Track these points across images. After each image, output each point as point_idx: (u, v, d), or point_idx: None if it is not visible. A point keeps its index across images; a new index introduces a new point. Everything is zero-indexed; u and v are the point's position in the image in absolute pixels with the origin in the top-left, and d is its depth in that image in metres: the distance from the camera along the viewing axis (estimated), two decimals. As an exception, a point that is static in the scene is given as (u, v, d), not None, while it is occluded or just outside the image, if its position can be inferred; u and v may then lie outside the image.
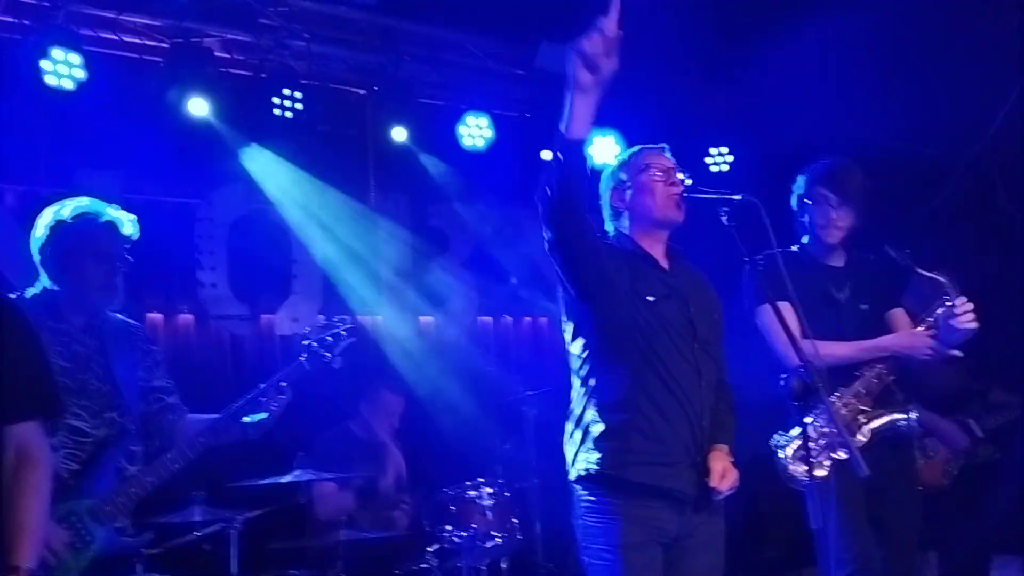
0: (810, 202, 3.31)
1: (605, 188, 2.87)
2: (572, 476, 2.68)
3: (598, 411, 2.63)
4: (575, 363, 2.75)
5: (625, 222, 2.81)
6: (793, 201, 3.40)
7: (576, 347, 2.73)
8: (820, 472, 2.88)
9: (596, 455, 2.60)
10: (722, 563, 2.72)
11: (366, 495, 4.42)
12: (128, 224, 2.88)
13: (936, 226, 4.80)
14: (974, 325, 3.05)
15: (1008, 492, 4.53)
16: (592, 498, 2.62)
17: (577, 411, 2.71)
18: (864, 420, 3.12)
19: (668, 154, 2.82)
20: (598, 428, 2.62)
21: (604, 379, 2.65)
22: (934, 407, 3.56)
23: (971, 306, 3.05)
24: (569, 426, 2.72)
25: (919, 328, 3.23)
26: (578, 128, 2.41)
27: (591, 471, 2.61)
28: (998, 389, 4.66)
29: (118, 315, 2.98)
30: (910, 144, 5.09)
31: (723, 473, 2.62)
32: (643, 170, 2.77)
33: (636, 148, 2.87)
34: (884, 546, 3.15)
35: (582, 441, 2.66)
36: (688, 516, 2.63)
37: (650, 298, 2.65)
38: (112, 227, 2.85)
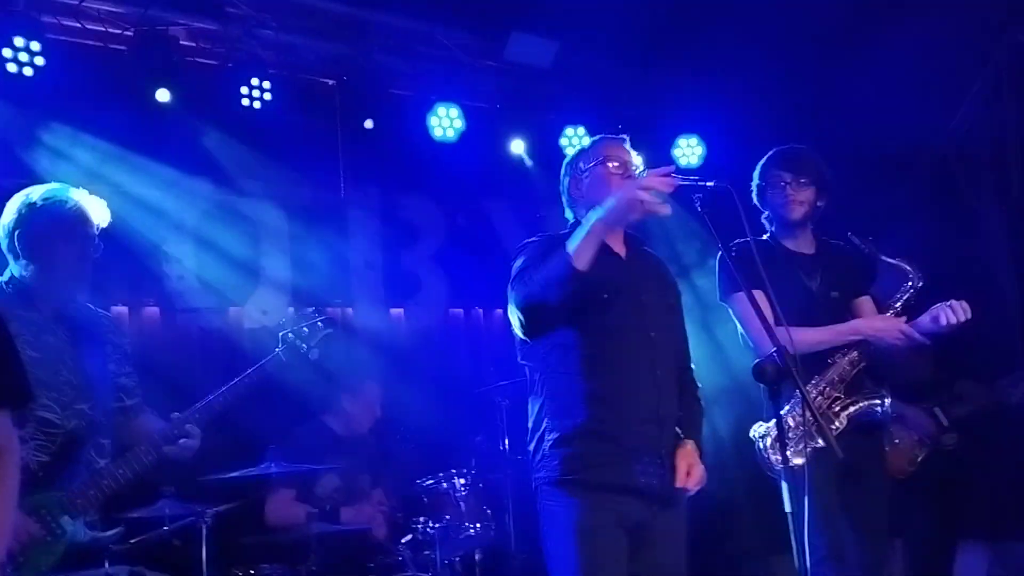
0: (767, 186, 3.36)
1: (564, 176, 2.89)
2: (533, 484, 2.72)
3: (551, 418, 2.67)
4: (528, 371, 2.78)
5: (582, 211, 2.82)
6: (754, 196, 3.44)
7: (528, 358, 2.77)
8: (798, 460, 2.91)
9: (553, 463, 2.64)
10: (684, 554, 2.75)
11: (340, 493, 4.35)
12: (98, 209, 2.83)
13: (900, 217, 4.86)
14: (964, 317, 3.09)
15: (973, 480, 4.62)
16: (553, 493, 2.66)
17: (533, 419, 2.75)
18: (839, 407, 3.17)
19: (628, 145, 2.84)
20: (553, 436, 2.65)
21: (555, 386, 2.68)
22: (901, 395, 3.62)
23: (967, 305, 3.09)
24: (530, 432, 2.76)
25: (887, 315, 3.28)
26: (588, 260, 2.49)
27: (550, 478, 2.65)
28: (964, 379, 4.74)
29: (88, 305, 2.93)
30: (874, 136, 5.14)
31: (689, 471, 2.66)
32: (600, 162, 2.79)
33: (596, 138, 2.90)
34: (855, 531, 3.20)
35: (538, 449, 2.70)
36: (651, 508, 2.65)
37: (604, 296, 2.67)
38: (82, 211, 2.79)
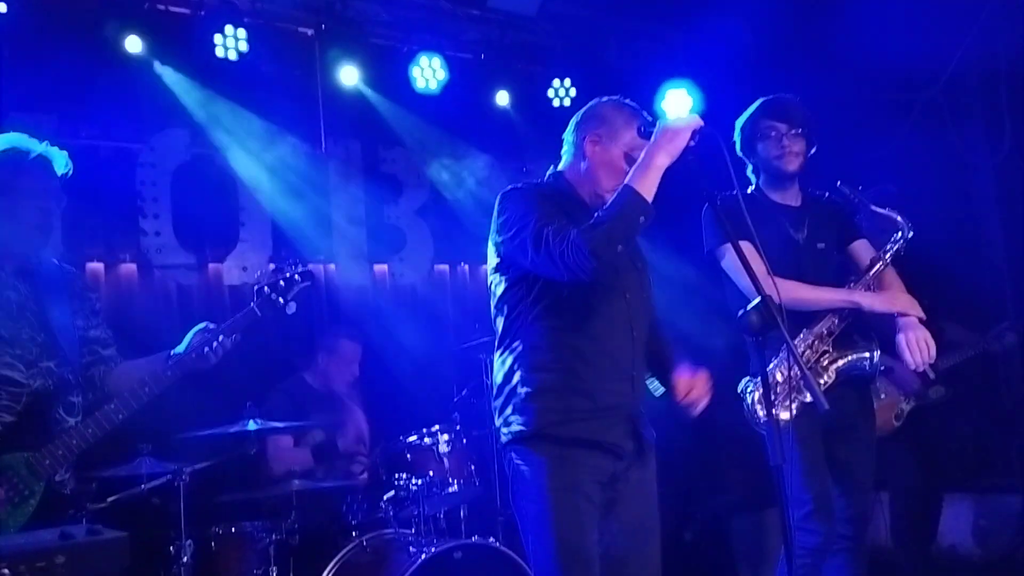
0: (757, 138, 3.27)
1: (581, 124, 2.76)
2: (503, 439, 2.66)
3: (525, 372, 2.61)
4: (500, 326, 2.71)
5: (580, 165, 2.73)
6: (738, 148, 3.36)
7: (505, 309, 2.69)
8: (785, 415, 2.89)
9: (527, 416, 2.58)
10: (656, 505, 2.72)
11: (324, 450, 4.33)
12: (60, 160, 2.73)
13: (889, 165, 4.80)
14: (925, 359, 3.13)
15: (958, 432, 4.61)
16: (524, 449, 2.60)
17: (501, 375, 2.68)
18: (828, 361, 3.14)
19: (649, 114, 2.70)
20: (525, 389, 2.59)
21: (531, 341, 2.62)
22: (887, 349, 3.59)
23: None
24: (495, 391, 2.69)
25: (875, 267, 3.23)
26: (653, 194, 2.47)
27: (523, 432, 2.59)
28: (953, 325, 4.71)
29: (53, 260, 2.84)
30: (864, 84, 5.06)
31: (689, 386, 2.61)
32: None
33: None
34: (841, 485, 3.19)
35: (509, 403, 2.64)
36: (623, 462, 2.63)
37: None
38: (44, 162, 2.69)
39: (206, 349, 2.79)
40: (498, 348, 2.72)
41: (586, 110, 2.79)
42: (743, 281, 3.04)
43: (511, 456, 2.63)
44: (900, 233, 3.22)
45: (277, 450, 4.22)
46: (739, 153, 3.35)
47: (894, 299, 3.18)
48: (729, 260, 3.16)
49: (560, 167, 2.81)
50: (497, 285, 2.71)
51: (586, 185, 2.73)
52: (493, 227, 2.69)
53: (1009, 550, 5.03)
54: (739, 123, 3.35)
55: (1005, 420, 5.14)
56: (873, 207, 3.25)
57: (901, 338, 3.12)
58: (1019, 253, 5.04)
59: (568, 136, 2.81)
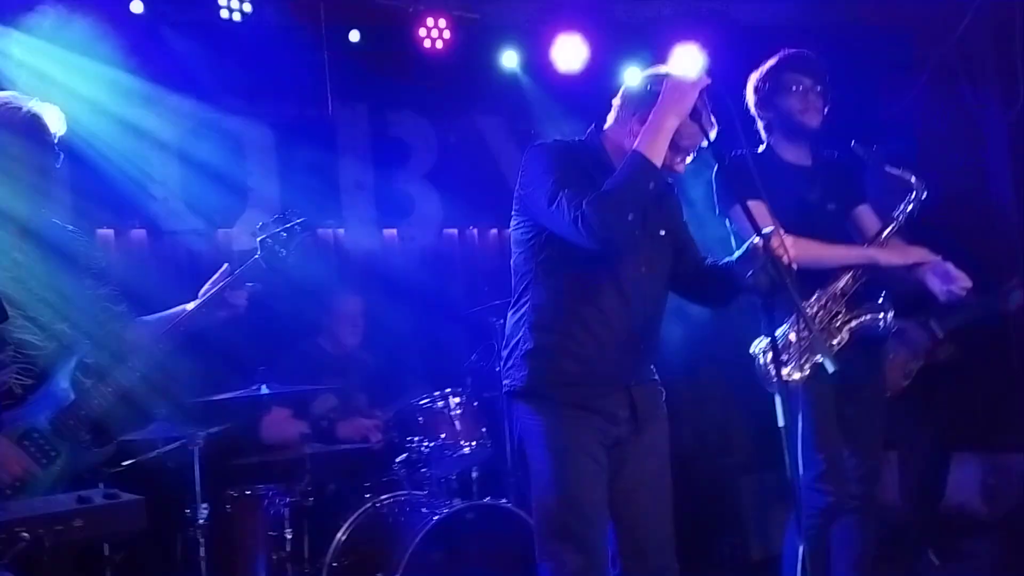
0: (778, 91, 3.21)
1: (630, 91, 2.70)
2: (505, 390, 2.69)
3: (529, 330, 2.63)
4: (516, 282, 2.72)
5: (615, 127, 2.70)
6: (751, 102, 3.29)
7: (520, 263, 2.70)
8: (797, 375, 2.89)
9: (522, 372, 2.61)
10: (667, 463, 2.73)
11: (326, 428, 4.35)
12: (54, 116, 2.71)
13: (902, 125, 4.75)
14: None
15: (967, 391, 4.61)
16: (527, 407, 2.63)
17: (511, 326, 2.71)
18: (841, 321, 3.11)
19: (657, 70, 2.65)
20: (524, 347, 2.62)
21: (540, 300, 2.64)
22: (896, 308, 3.58)
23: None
24: (506, 339, 2.73)
25: (888, 228, 3.20)
26: (662, 157, 2.46)
27: (516, 387, 2.62)
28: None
29: (55, 221, 2.84)
30: (877, 43, 4.99)
31: (780, 243, 2.42)
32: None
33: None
34: (851, 445, 3.19)
35: (510, 357, 2.67)
36: (623, 428, 2.63)
37: None
38: (37, 118, 2.67)
39: (217, 300, 2.81)
40: (512, 304, 2.73)
41: (639, 83, 2.72)
42: None
43: (512, 409, 2.67)
44: (914, 194, 3.18)
45: (272, 420, 4.21)
46: (752, 109, 3.30)
47: (908, 251, 3.17)
48: (738, 222, 3.13)
49: (605, 127, 2.76)
50: (517, 239, 2.72)
51: (625, 146, 2.66)
52: (519, 181, 2.67)
53: (1016, 509, 5.06)
54: (755, 76, 3.28)
55: (1014, 379, 5.13)
56: (887, 167, 3.21)
57: (934, 274, 3.10)
58: (1032, 211, 5.01)
59: (616, 100, 2.75)
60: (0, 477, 2.46)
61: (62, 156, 2.75)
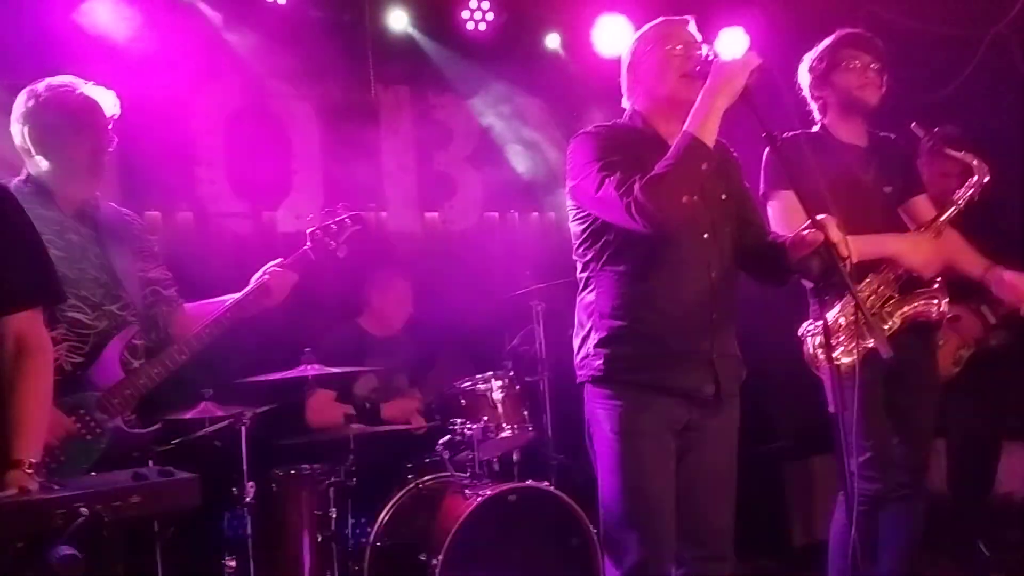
0: (835, 68, 3.16)
1: (624, 63, 2.73)
2: (580, 380, 2.67)
3: (597, 318, 2.61)
4: (579, 268, 2.71)
5: (641, 100, 2.69)
6: (805, 81, 3.25)
7: (581, 252, 2.69)
8: (847, 359, 2.84)
9: (598, 361, 2.59)
10: (735, 454, 2.71)
11: (369, 410, 4.38)
12: (108, 99, 2.75)
13: (956, 108, 4.64)
14: None
15: (1018, 379, 4.51)
16: (598, 391, 2.61)
17: (580, 315, 2.69)
18: (893, 306, 3.06)
19: (692, 27, 2.65)
20: (597, 335, 2.60)
21: (605, 287, 2.61)
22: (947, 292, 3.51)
23: None
24: (576, 329, 2.71)
25: (947, 212, 3.13)
26: (714, 138, 2.43)
27: (593, 376, 2.60)
28: (1010, 272, 4.58)
29: (111, 204, 2.89)
30: (928, 22, 4.87)
31: (838, 237, 2.36)
32: (658, 45, 2.62)
33: (657, 20, 2.70)
34: (901, 432, 3.15)
35: (583, 346, 2.66)
36: (699, 409, 2.59)
37: None
38: (91, 101, 2.71)
39: (265, 288, 2.85)
40: (580, 290, 2.72)
41: (623, 60, 2.75)
42: (783, 230, 2.98)
43: (587, 397, 2.65)
44: (975, 178, 3.11)
45: (316, 403, 4.26)
46: (807, 90, 3.25)
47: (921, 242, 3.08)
48: (780, 206, 3.07)
49: (627, 107, 2.76)
50: (574, 230, 2.71)
51: (653, 105, 2.66)
52: (567, 172, 2.66)
53: (1068, 498, 4.96)
54: (810, 57, 3.24)
55: (1067, 367, 5.01)
56: (948, 149, 3.15)
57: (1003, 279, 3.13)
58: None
59: (622, 81, 2.78)
60: (49, 442, 2.50)
61: (115, 140, 2.78)
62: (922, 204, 3.26)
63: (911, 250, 3.02)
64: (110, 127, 2.77)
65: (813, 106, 3.27)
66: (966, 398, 4.28)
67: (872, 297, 3.05)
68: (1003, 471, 4.72)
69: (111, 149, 2.78)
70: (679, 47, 2.60)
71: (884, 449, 3.06)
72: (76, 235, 2.73)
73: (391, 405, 4.38)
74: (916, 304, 3.07)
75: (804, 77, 3.25)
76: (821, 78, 3.21)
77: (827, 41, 3.23)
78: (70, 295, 2.57)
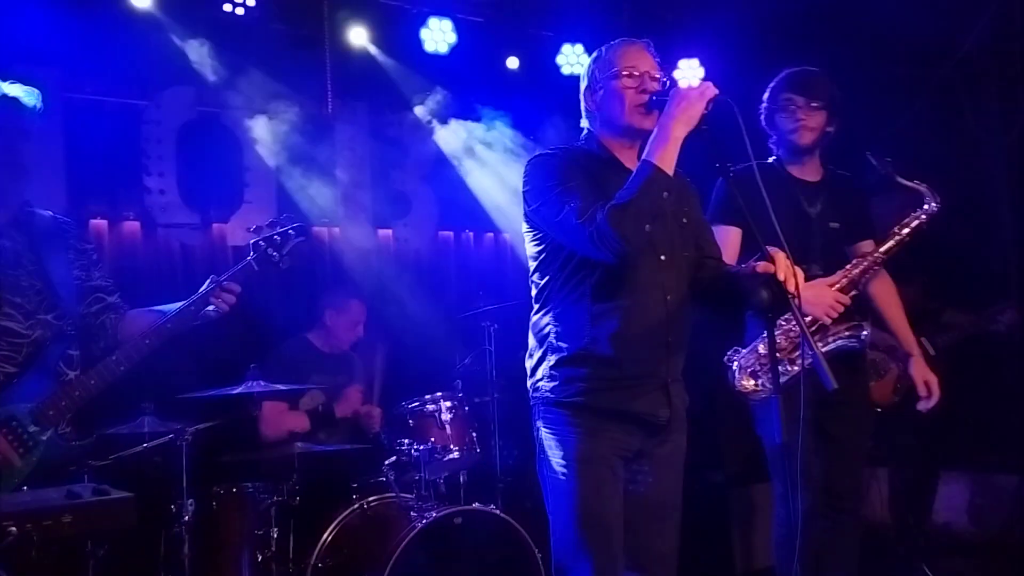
0: (777, 109, 3.27)
1: (582, 82, 2.74)
2: (531, 403, 2.66)
3: (556, 339, 2.59)
4: (534, 289, 2.69)
5: (596, 124, 2.70)
6: (763, 119, 3.34)
7: (537, 275, 2.67)
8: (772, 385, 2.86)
9: (551, 384, 2.58)
10: (681, 480, 2.71)
11: (321, 414, 4.33)
12: (29, 97, 2.67)
13: (903, 141, 4.76)
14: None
15: (957, 410, 4.62)
16: (551, 416, 2.60)
17: (535, 337, 2.67)
18: (819, 337, 3.11)
19: (650, 50, 2.66)
20: (555, 356, 2.58)
21: (559, 309, 2.60)
22: (888, 325, 3.59)
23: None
24: (529, 352, 2.69)
25: (890, 241, 3.18)
26: (672, 166, 2.44)
27: (548, 399, 2.59)
28: (951, 310, 4.71)
29: (47, 212, 2.81)
30: (879, 59, 5.00)
31: (786, 270, 2.36)
32: (615, 74, 2.63)
33: (615, 43, 2.70)
34: (834, 460, 3.20)
35: (536, 369, 2.64)
36: (652, 436, 2.61)
37: None
38: (13, 102, 2.64)
39: (208, 300, 2.79)
40: (534, 313, 2.70)
41: (581, 80, 2.76)
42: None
43: (538, 422, 2.63)
44: (927, 206, 3.18)
45: (270, 414, 4.20)
46: (763, 124, 3.34)
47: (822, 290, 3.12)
48: (723, 239, 3.07)
49: (586, 124, 2.76)
50: (531, 252, 2.69)
51: (608, 130, 2.67)
52: (523, 195, 2.65)
53: (1003, 529, 5.07)
54: (765, 94, 3.33)
55: (1003, 399, 5.15)
56: (899, 178, 3.21)
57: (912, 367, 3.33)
58: (1028, 234, 5.02)
59: (581, 101, 2.77)
60: None
61: (36, 136, 2.68)
62: (868, 248, 3.32)
63: (811, 301, 3.04)
64: (33, 125, 2.68)
65: (772, 138, 3.36)
66: (906, 428, 4.38)
67: (797, 328, 3.02)
68: (940, 500, 4.83)
69: (33, 150, 2.70)
70: (635, 78, 2.61)
71: (812, 475, 3.08)
72: (9, 241, 2.65)
73: (342, 405, 4.33)
74: (841, 335, 3.14)
75: (762, 116, 3.34)
76: (768, 118, 3.32)
77: (773, 82, 3.33)
78: (3, 303, 2.49)
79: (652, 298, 2.57)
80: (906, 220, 3.23)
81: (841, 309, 3.09)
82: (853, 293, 3.19)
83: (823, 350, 3.04)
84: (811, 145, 3.26)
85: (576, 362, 2.55)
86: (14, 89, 2.66)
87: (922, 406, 3.35)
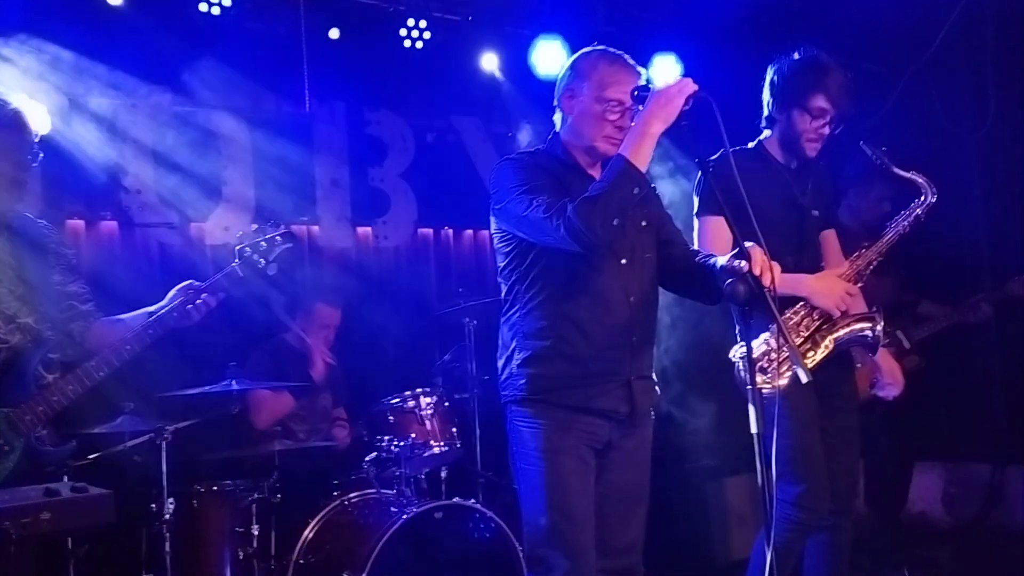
0: (795, 103, 3.07)
1: (561, 80, 2.75)
2: (502, 401, 2.71)
3: (522, 338, 2.65)
4: (504, 290, 2.74)
5: (566, 122, 2.73)
6: (767, 89, 3.17)
7: (505, 275, 2.72)
8: (780, 383, 2.84)
9: (520, 381, 2.63)
10: (648, 472, 2.76)
11: (303, 403, 4.34)
12: (35, 115, 2.71)
13: (875, 134, 4.81)
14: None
15: (930, 401, 4.69)
16: (521, 411, 2.65)
17: (504, 336, 2.72)
18: (826, 330, 3.05)
19: (643, 79, 2.64)
20: (521, 355, 2.64)
21: (529, 308, 2.65)
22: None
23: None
24: (500, 349, 2.73)
25: (889, 232, 3.15)
26: (647, 162, 2.46)
27: (516, 396, 2.64)
28: (927, 302, 4.78)
29: (28, 216, 2.82)
30: (852, 57, 5.05)
31: (762, 265, 2.38)
32: (601, 98, 2.62)
33: (598, 51, 2.68)
34: (830, 459, 3.13)
35: (507, 366, 2.69)
36: (618, 429, 2.67)
37: None
38: (18, 117, 2.67)
39: (188, 307, 2.80)
40: (503, 312, 2.75)
41: (564, 67, 2.78)
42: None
43: (510, 417, 2.68)
44: (924, 197, 3.08)
45: (258, 403, 4.20)
46: (766, 94, 3.17)
47: (836, 282, 3.07)
48: (704, 231, 3.09)
49: (556, 129, 2.80)
50: (500, 253, 2.74)
51: (576, 141, 2.71)
52: (491, 197, 2.69)
53: (976, 517, 5.15)
54: (784, 68, 3.12)
55: (977, 390, 5.23)
56: (895, 169, 3.12)
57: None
58: (999, 227, 5.09)
59: (555, 98, 2.80)
60: None
61: (41, 155, 2.74)
62: (831, 238, 3.30)
63: (823, 292, 3.00)
64: (36, 141, 2.72)
65: (764, 112, 3.20)
66: (881, 419, 4.43)
67: (806, 320, 3.05)
68: (915, 490, 4.89)
69: (35, 164, 2.73)
70: (618, 112, 2.61)
71: (818, 481, 3.04)
72: None
73: (315, 368, 4.32)
74: (851, 327, 3.05)
75: (769, 83, 3.17)
76: (782, 103, 3.13)
77: (805, 60, 3.09)
78: None
79: (615, 300, 2.63)
80: (907, 211, 3.13)
81: (851, 301, 3.04)
82: (859, 285, 3.15)
83: (831, 341, 3.02)
84: (814, 157, 3.15)
85: (543, 360, 2.61)
86: (24, 103, 2.72)
87: (883, 392, 3.30)
